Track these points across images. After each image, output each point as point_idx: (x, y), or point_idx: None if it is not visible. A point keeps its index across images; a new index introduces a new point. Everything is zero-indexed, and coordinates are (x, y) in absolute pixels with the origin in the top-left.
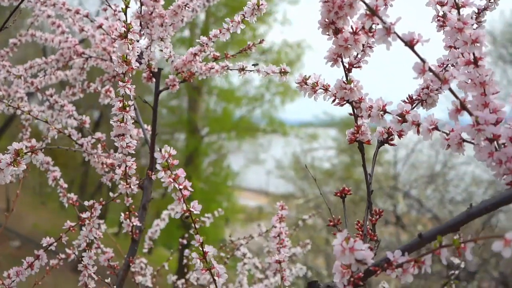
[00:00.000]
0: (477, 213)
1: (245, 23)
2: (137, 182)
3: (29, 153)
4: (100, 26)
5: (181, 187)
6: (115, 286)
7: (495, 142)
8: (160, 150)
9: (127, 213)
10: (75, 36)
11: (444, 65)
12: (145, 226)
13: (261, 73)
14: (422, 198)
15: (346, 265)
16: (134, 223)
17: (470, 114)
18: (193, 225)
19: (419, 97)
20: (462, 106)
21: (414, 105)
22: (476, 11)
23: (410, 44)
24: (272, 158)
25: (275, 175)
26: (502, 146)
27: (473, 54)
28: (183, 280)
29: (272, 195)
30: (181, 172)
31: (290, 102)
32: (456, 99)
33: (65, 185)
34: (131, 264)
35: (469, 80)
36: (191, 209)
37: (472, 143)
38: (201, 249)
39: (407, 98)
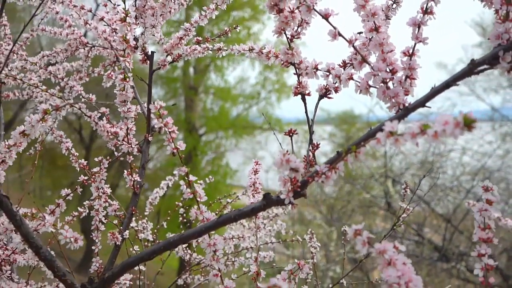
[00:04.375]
0: (372, 135)
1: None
2: (137, 143)
3: (54, 111)
4: (102, 19)
5: (170, 130)
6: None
7: (387, 84)
8: (154, 103)
9: (129, 170)
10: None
11: (369, 38)
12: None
13: (234, 51)
14: (412, 185)
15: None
16: (135, 179)
17: (369, 64)
18: (180, 161)
19: (350, 61)
20: (363, 60)
21: (346, 67)
22: None
23: (325, 16)
24: (270, 155)
25: (275, 171)
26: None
27: (374, 23)
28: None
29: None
30: (169, 120)
31: (286, 99)
32: (359, 55)
33: (76, 154)
34: (133, 212)
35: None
36: (178, 146)
37: (375, 87)
38: (186, 178)
39: (341, 62)
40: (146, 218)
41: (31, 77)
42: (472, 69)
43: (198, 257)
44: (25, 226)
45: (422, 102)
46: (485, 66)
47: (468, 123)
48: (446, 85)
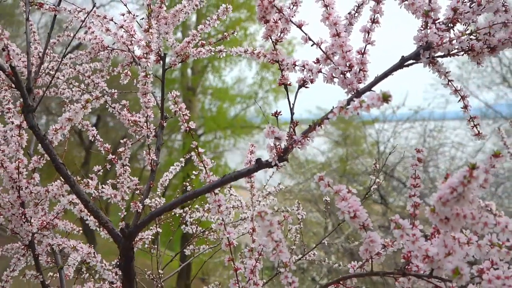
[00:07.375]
0: (331, 111)
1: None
2: (154, 127)
3: (94, 100)
4: (121, 26)
5: (183, 113)
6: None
7: (345, 75)
8: (170, 92)
9: (147, 150)
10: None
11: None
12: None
13: (233, 52)
14: (404, 178)
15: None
16: (152, 157)
17: (331, 61)
18: (191, 136)
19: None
20: (327, 57)
21: (320, 64)
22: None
23: (299, 26)
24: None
25: (274, 170)
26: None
27: (336, 30)
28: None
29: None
30: (183, 105)
31: (283, 99)
32: (324, 54)
33: (101, 140)
34: (151, 186)
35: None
36: (189, 126)
37: (337, 77)
38: (196, 150)
39: (316, 59)
40: (159, 196)
41: (58, 76)
42: (402, 63)
43: (202, 230)
44: (77, 186)
45: (368, 88)
46: (412, 61)
47: (385, 98)
48: (385, 75)
